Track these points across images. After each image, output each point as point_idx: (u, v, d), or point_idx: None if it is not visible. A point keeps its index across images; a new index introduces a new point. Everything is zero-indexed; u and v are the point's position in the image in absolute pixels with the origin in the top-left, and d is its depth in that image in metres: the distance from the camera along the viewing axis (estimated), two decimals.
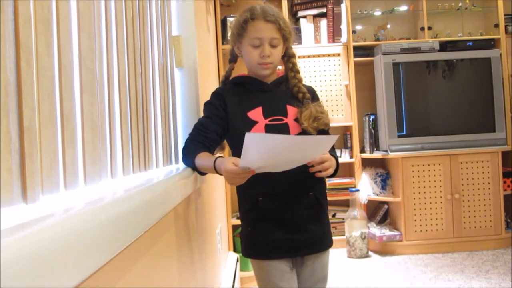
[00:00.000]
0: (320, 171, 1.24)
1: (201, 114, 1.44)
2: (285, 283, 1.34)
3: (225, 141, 1.46)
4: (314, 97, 1.44)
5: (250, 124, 1.33)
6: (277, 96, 1.40)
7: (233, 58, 1.48)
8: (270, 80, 1.41)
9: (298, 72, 1.43)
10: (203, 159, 1.23)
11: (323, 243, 1.42)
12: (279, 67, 1.46)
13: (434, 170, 3.16)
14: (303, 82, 1.45)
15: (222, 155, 1.31)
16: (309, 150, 1.13)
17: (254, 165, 1.07)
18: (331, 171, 1.27)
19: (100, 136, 0.76)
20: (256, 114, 1.35)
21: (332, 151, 1.36)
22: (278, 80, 1.42)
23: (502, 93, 3.28)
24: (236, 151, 1.35)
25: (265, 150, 1.04)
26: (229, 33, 3.08)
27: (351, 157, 3.38)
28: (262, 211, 1.34)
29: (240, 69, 1.47)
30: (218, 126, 1.34)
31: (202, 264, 1.59)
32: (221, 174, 1.18)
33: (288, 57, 1.43)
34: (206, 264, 1.69)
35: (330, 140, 1.14)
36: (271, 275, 1.35)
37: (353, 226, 3.10)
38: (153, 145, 1.15)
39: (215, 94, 1.41)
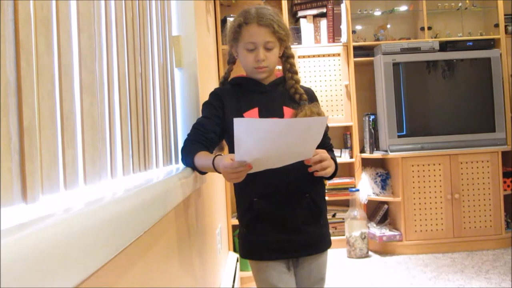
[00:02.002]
0: (318, 171, 1.24)
1: (201, 114, 1.44)
2: (283, 284, 1.34)
3: (224, 141, 1.46)
4: (312, 98, 1.43)
5: None
6: (274, 97, 1.39)
7: (231, 59, 1.48)
8: (268, 81, 1.41)
9: (296, 73, 1.42)
10: (202, 158, 1.23)
11: (320, 244, 1.41)
12: (278, 67, 1.46)
13: (434, 170, 3.16)
14: (302, 83, 1.45)
15: (221, 154, 1.31)
16: (302, 134, 1.10)
17: (249, 157, 1.06)
18: (330, 171, 1.26)
19: (100, 136, 0.76)
20: (252, 115, 1.35)
21: (331, 154, 1.35)
22: (275, 81, 1.42)
23: (502, 93, 3.28)
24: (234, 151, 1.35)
25: (256, 136, 1.03)
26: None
27: (351, 157, 3.38)
28: (258, 211, 1.34)
29: (240, 69, 1.47)
30: (216, 126, 1.34)
31: (202, 264, 1.59)
32: (220, 172, 1.18)
33: (286, 57, 1.42)
34: (206, 264, 1.69)
35: (321, 121, 1.11)
36: (269, 276, 1.35)
37: (353, 226, 3.10)
38: (153, 145, 1.15)
39: (213, 95, 1.41)
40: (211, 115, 1.36)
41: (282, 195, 1.33)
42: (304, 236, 1.36)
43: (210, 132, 1.32)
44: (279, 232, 1.34)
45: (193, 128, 1.35)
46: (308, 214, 1.36)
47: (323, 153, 1.23)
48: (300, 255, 1.39)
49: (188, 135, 1.34)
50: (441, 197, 3.15)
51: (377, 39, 3.47)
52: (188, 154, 1.27)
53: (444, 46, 3.31)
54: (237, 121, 0.99)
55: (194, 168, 1.27)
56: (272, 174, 1.20)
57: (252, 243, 1.38)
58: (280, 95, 1.40)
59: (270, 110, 1.36)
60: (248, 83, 1.41)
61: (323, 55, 3.37)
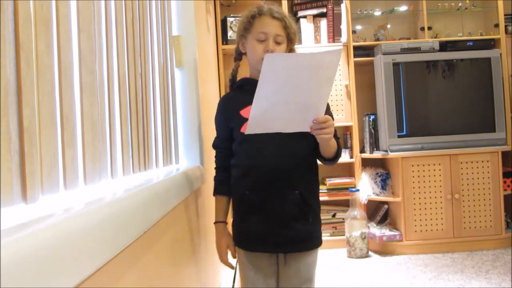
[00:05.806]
0: (317, 134, 1.22)
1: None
2: (259, 277, 1.38)
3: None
4: None
5: (242, 122, 1.35)
6: None
7: (238, 56, 1.50)
8: None
9: None
10: (218, 203, 1.46)
11: (307, 242, 1.39)
12: None
13: (434, 170, 3.16)
14: None
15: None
16: (320, 71, 1.13)
17: (268, 100, 1.11)
18: (328, 137, 1.23)
19: (100, 136, 0.76)
20: (248, 112, 1.35)
21: (336, 139, 1.35)
22: None
23: (502, 93, 3.27)
24: (237, 149, 1.37)
25: (282, 73, 1.08)
26: (229, 33, 3.08)
27: (351, 157, 3.38)
28: (249, 203, 1.37)
29: (245, 72, 1.47)
30: (227, 141, 1.43)
31: (203, 263, 1.59)
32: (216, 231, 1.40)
33: None
34: (207, 263, 1.69)
35: (336, 53, 1.13)
36: (248, 265, 1.38)
37: (353, 226, 3.10)
38: (153, 145, 1.15)
39: (218, 106, 1.48)
40: (222, 131, 1.46)
41: (272, 189, 1.35)
42: (292, 232, 1.36)
43: (225, 149, 1.44)
44: (268, 225, 1.36)
45: (214, 146, 1.50)
46: (296, 210, 1.36)
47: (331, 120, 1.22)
48: (288, 251, 1.38)
49: (215, 157, 1.50)
50: (441, 197, 3.15)
51: (377, 39, 3.47)
52: (215, 187, 1.47)
53: (444, 46, 3.31)
54: (268, 57, 1.05)
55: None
56: (264, 169, 1.29)
57: (242, 232, 1.41)
58: None
59: None
60: (248, 83, 1.42)
61: None
